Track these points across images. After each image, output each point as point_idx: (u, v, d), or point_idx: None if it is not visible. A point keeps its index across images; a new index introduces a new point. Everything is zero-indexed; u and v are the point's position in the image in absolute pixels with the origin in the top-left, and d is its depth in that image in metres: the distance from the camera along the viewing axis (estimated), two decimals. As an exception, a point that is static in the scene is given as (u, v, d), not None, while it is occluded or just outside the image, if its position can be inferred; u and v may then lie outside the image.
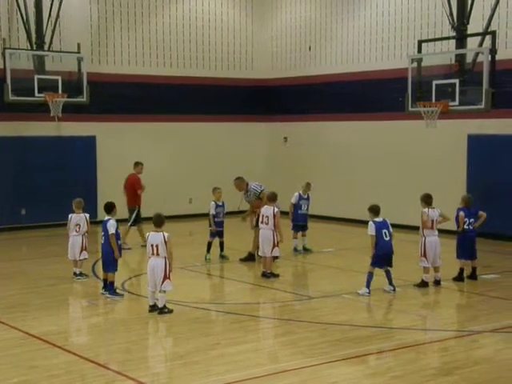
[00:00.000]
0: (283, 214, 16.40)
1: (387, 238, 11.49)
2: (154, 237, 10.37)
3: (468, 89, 15.52)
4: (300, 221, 15.46)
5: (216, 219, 14.39)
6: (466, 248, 12.49)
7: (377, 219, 11.56)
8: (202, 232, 15.74)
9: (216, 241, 14.57)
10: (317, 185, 18.84)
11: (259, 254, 13.44)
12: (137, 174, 16.34)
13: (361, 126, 19.97)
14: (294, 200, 15.43)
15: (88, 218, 12.87)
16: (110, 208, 11.63)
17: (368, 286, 11.47)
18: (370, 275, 11.52)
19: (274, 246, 12.78)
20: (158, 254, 10.30)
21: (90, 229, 12.92)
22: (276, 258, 13.41)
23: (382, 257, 11.51)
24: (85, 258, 12.88)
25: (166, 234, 10.35)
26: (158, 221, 10.49)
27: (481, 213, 12.59)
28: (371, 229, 11.48)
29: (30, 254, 15.88)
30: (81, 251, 12.77)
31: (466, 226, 12.46)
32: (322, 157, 21.02)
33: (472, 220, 12.51)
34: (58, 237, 16.81)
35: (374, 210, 11.63)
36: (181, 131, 21.24)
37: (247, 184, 14.56)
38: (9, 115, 18.39)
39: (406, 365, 8.23)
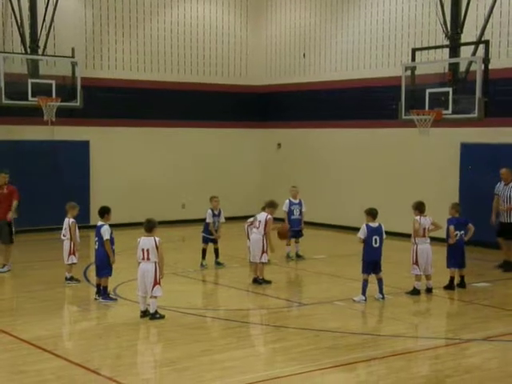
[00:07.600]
0: (278, 220, 16.46)
1: (376, 245, 11.45)
2: (145, 241, 10.34)
3: (461, 97, 15.58)
4: (294, 226, 15.45)
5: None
6: (456, 257, 12.50)
7: (371, 224, 11.50)
8: (195, 238, 15.70)
9: (210, 247, 14.54)
10: (310, 191, 18.91)
11: (250, 259, 13.42)
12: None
13: (355, 133, 20.00)
14: (285, 208, 15.43)
15: (70, 223, 12.67)
16: (102, 212, 11.53)
17: (364, 293, 11.48)
18: (365, 283, 11.51)
19: (263, 252, 12.76)
20: (148, 259, 10.27)
21: (73, 234, 12.64)
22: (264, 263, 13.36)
23: (368, 263, 11.52)
24: (73, 263, 12.79)
25: (157, 239, 10.33)
26: (149, 226, 10.46)
27: (470, 225, 12.61)
28: (362, 232, 11.45)
29: (21, 258, 15.79)
30: (68, 255, 12.73)
31: (457, 238, 12.47)
32: (315, 163, 21.04)
33: (462, 232, 12.51)
34: (50, 241, 16.77)
35: (371, 214, 11.53)
36: (174, 137, 21.23)
37: None
38: (2, 119, 18.35)
39: (397, 372, 8.23)
